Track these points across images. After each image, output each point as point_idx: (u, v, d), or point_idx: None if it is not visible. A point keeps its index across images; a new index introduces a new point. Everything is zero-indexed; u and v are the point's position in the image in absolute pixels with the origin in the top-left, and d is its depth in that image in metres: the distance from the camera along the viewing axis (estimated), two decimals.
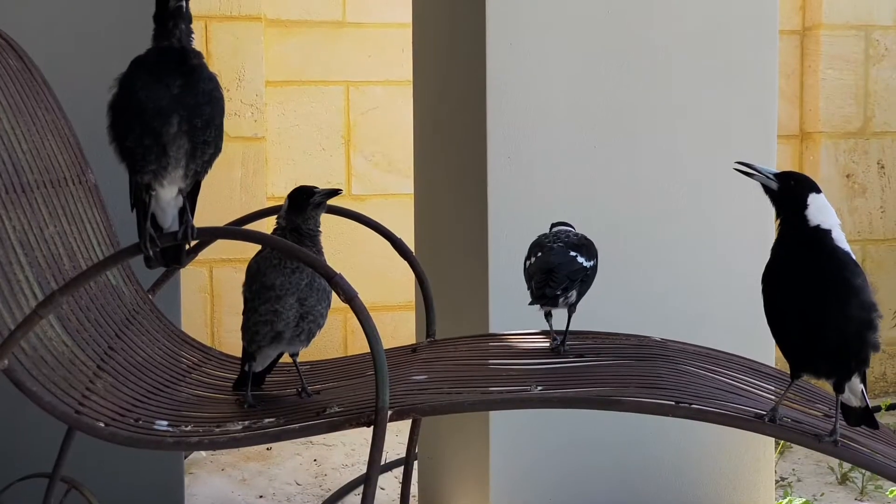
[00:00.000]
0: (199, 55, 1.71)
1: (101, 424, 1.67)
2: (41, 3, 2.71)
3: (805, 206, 1.62)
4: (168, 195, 1.74)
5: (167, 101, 1.65)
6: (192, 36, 1.73)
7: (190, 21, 1.73)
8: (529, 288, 2.00)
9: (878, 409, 3.92)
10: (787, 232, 1.64)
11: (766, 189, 1.65)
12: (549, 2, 2.43)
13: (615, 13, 2.47)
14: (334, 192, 1.89)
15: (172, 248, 1.78)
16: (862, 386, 1.69)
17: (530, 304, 1.99)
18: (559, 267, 1.96)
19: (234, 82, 4.11)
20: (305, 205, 1.88)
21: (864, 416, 1.73)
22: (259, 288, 1.85)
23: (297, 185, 1.95)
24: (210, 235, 2.08)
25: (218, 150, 1.71)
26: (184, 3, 1.71)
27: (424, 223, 2.89)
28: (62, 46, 2.69)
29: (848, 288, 1.59)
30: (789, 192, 1.63)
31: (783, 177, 1.64)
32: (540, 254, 2.01)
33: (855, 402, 1.72)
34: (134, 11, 2.49)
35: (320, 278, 1.81)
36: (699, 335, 2.25)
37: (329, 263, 1.84)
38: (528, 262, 2.03)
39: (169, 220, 1.79)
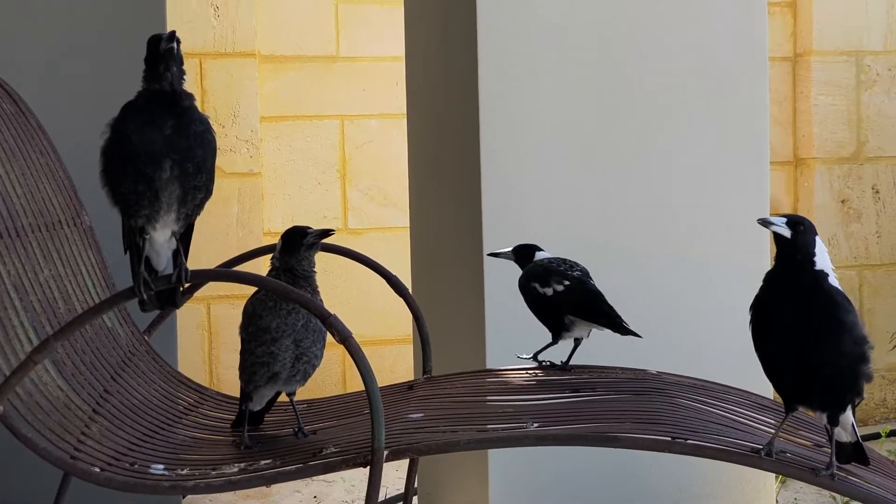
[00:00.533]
0: (190, 97, 1.71)
1: (97, 469, 1.67)
2: (36, 48, 2.73)
3: (815, 254, 1.64)
4: (161, 238, 1.75)
5: (159, 145, 1.65)
6: (185, 78, 1.73)
7: (181, 63, 1.73)
8: (564, 318, 2.06)
9: (877, 436, 3.90)
10: (786, 269, 1.65)
11: (779, 237, 1.66)
12: (540, 34, 2.45)
13: (608, 46, 2.48)
14: (327, 233, 1.89)
15: (167, 289, 1.78)
16: (853, 419, 1.69)
17: (623, 332, 2.06)
18: (604, 298, 2.07)
19: (229, 119, 4.13)
20: (298, 246, 1.88)
21: (854, 453, 1.73)
22: (255, 330, 1.86)
23: (291, 225, 1.95)
24: (204, 278, 2.09)
25: (209, 193, 1.71)
26: (175, 46, 1.71)
27: (421, 256, 2.89)
28: (57, 90, 2.71)
29: (842, 326, 1.61)
30: (801, 238, 1.65)
31: (792, 224, 1.65)
32: (567, 283, 2.06)
33: (845, 437, 1.72)
34: (128, 55, 2.49)
35: (316, 319, 1.81)
36: (695, 367, 2.24)
37: (326, 298, 1.84)
38: (547, 290, 2.04)
39: (163, 263, 1.79)
